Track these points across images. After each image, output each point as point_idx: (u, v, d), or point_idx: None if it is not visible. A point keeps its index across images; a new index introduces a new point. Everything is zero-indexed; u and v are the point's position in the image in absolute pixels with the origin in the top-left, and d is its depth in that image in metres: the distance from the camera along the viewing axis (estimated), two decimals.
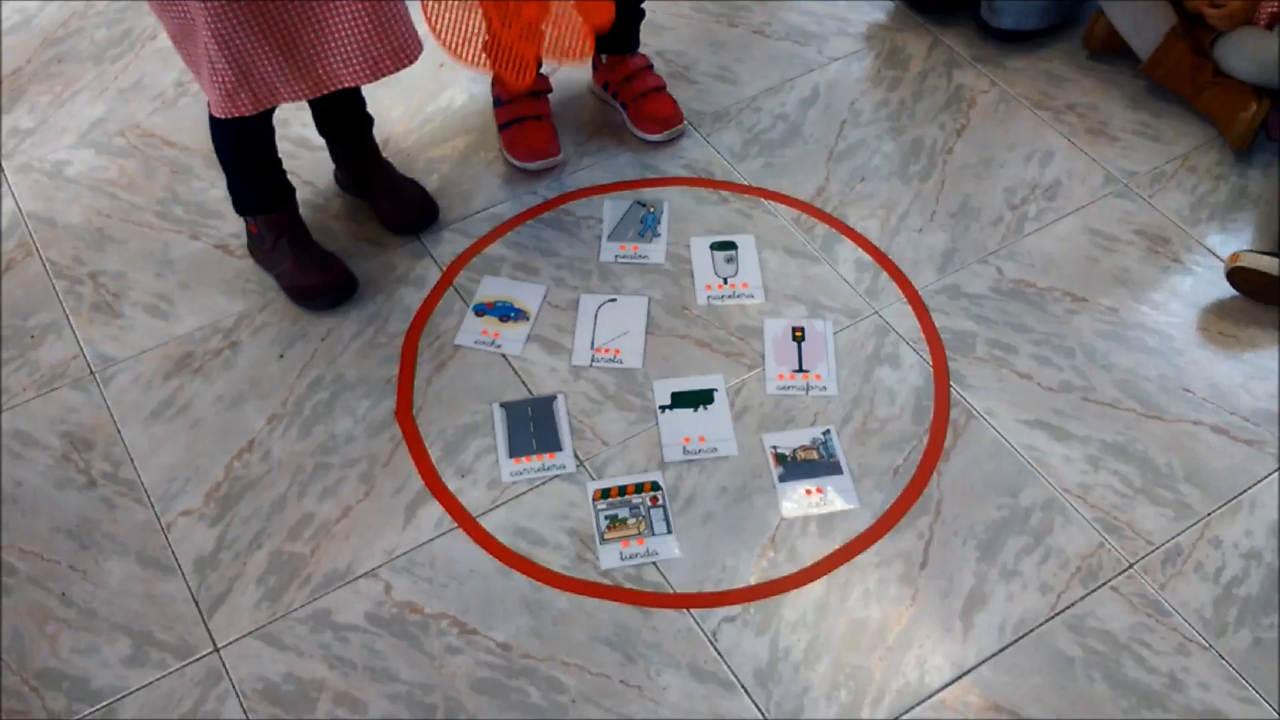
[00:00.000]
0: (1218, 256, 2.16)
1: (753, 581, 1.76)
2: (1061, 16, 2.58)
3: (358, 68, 1.79)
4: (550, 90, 2.38)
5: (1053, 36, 2.59)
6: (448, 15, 1.86)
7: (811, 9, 2.69)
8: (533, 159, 2.31)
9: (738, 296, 2.10)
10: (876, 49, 2.59)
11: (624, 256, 2.18)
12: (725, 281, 2.12)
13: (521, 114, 2.32)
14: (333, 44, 1.76)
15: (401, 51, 1.81)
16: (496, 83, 2.39)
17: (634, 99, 2.37)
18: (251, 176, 2.05)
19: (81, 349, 2.05)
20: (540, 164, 2.32)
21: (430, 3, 1.85)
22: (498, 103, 2.36)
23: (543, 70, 2.35)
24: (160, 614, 1.74)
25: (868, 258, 2.18)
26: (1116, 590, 1.74)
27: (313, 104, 2.10)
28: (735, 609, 1.73)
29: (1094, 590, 1.74)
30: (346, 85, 1.80)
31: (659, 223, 2.23)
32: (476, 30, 1.90)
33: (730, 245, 2.18)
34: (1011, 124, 2.42)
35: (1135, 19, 2.41)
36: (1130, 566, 1.77)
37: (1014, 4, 2.49)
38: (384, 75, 1.81)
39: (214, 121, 1.91)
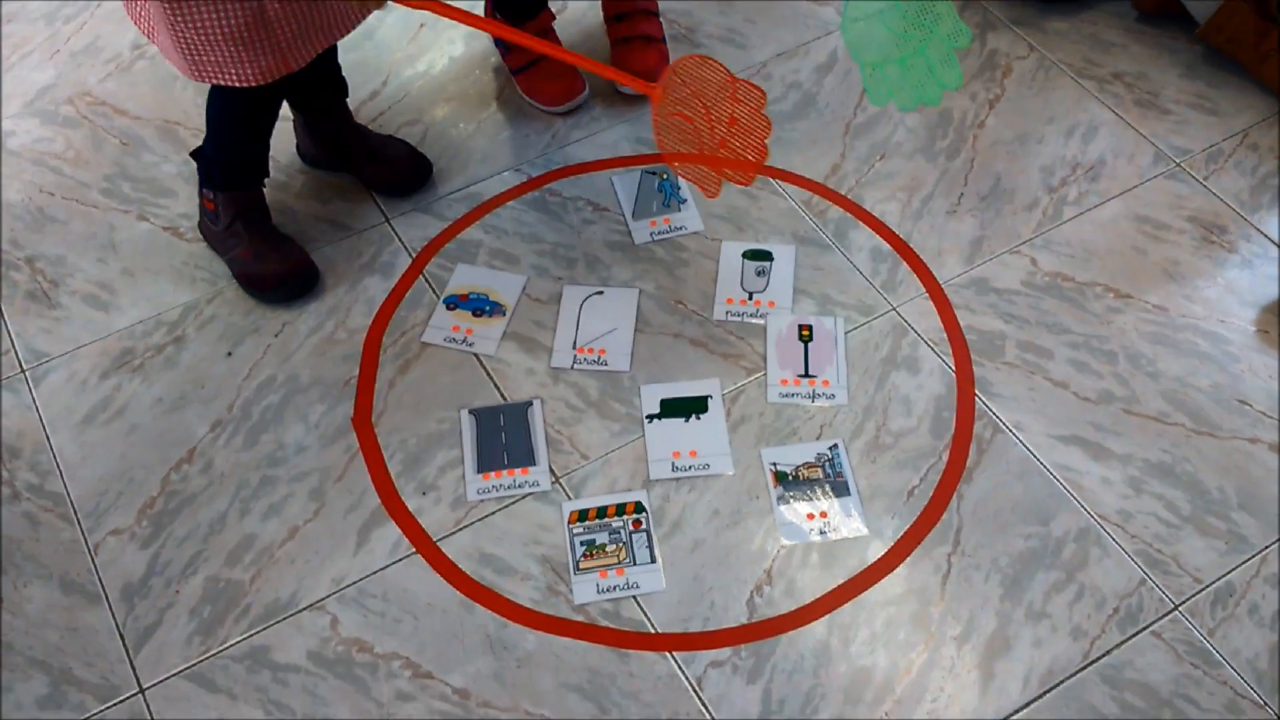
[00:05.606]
0: None
1: (745, 620, 1.55)
2: None
3: None
4: (554, 17, 2.18)
5: None
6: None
7: None
8: (558, 101, 2.15)
9: (760, 315, 1.87)
10: None
11: (660, 233, 1.97)
12: (750, 297, 1.89)
13: (535, 55, 2.14)
14: None
15: None
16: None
17: (617, 42, 2.18)
18: (242, 147, 1.86)
19: (13, 343, 1.86)
20: (568, 105, 2.16)
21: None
22: (505, 48, 2.20)
23: (549, 6, 2.18)
24: (82, 648, 1.56)
25: (886, 246, 1.95)
26: (1159, 636, 1.53)
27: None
28: (724, 652, 1.53)
29: (1133, 636, 1.53)
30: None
31: (679, 187, 2.03)
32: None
33: (765, 255, 1.95)
34: (1051, 94, 2.18)
35: None
36: (1175, 608, 1.56)
37: None
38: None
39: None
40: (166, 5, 1.55)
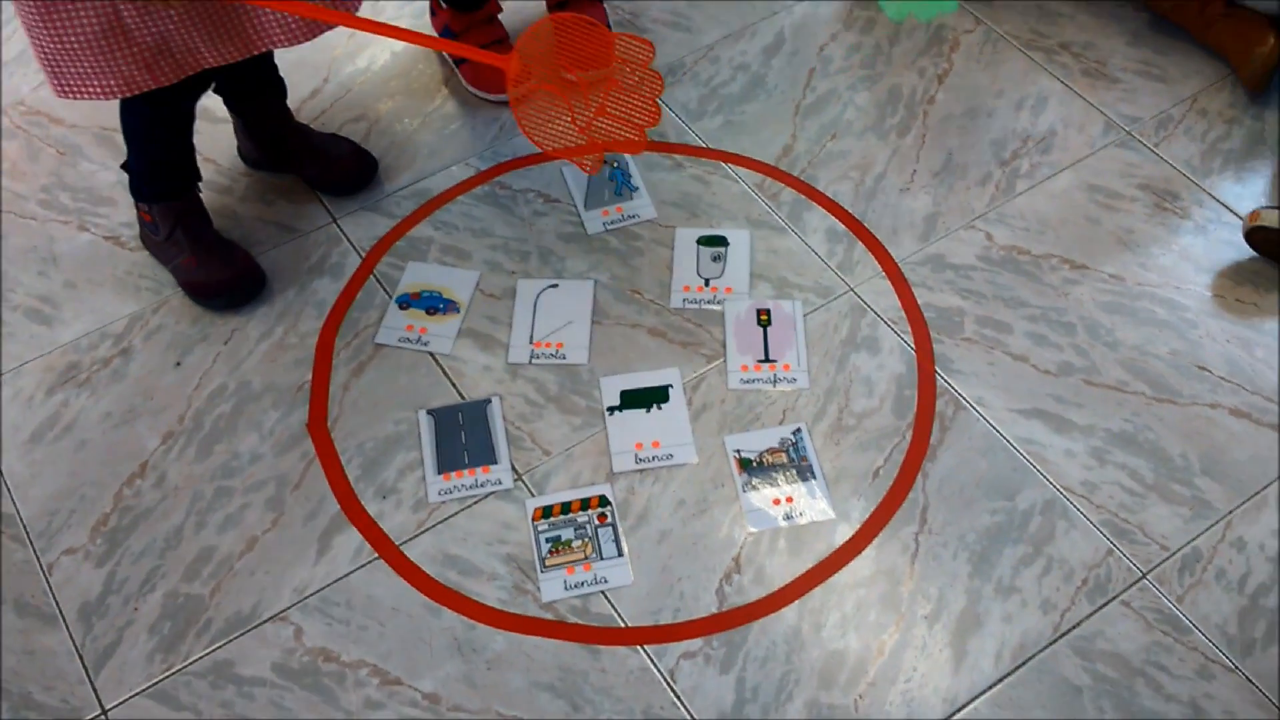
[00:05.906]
0: (1234, 213, 1.93)
1: (715, 610, 1.54)
2: None
3: (294, 26, 1.57)
4: (500, 10, 2.15)
5: None
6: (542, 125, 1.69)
7: None
8: (504, 90, 2.08)
9: (718, 301, 1.85)
10: None
11: (612, 222, 1.94)
12: (707, 283, 1.87)
13: (479, 43, 2.09)
14: None
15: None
16: (441, 15, 2.16)
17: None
18: (161, 158, 1.81)
19: None
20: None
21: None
22: (450, 35, 2.14)
23: None
24: (40, 671, 1.52)
25: (840, 226, 1.94)
26: (1128, 605, 1.53)
27: (221, 74, 1.84)
28: (695, 643, 1.51)
29: (1102, 606, 1.53)
30: (280, 46, 1.60)
31: (630, 175, 2.00)
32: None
33: (720, 241, 1.92)
34: (999, 67, 2.17)
35: None
36: (1143, 576, 1.56)
37: None
38: (321, 33, 1.60)
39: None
40: (24, 9, 1.51)
